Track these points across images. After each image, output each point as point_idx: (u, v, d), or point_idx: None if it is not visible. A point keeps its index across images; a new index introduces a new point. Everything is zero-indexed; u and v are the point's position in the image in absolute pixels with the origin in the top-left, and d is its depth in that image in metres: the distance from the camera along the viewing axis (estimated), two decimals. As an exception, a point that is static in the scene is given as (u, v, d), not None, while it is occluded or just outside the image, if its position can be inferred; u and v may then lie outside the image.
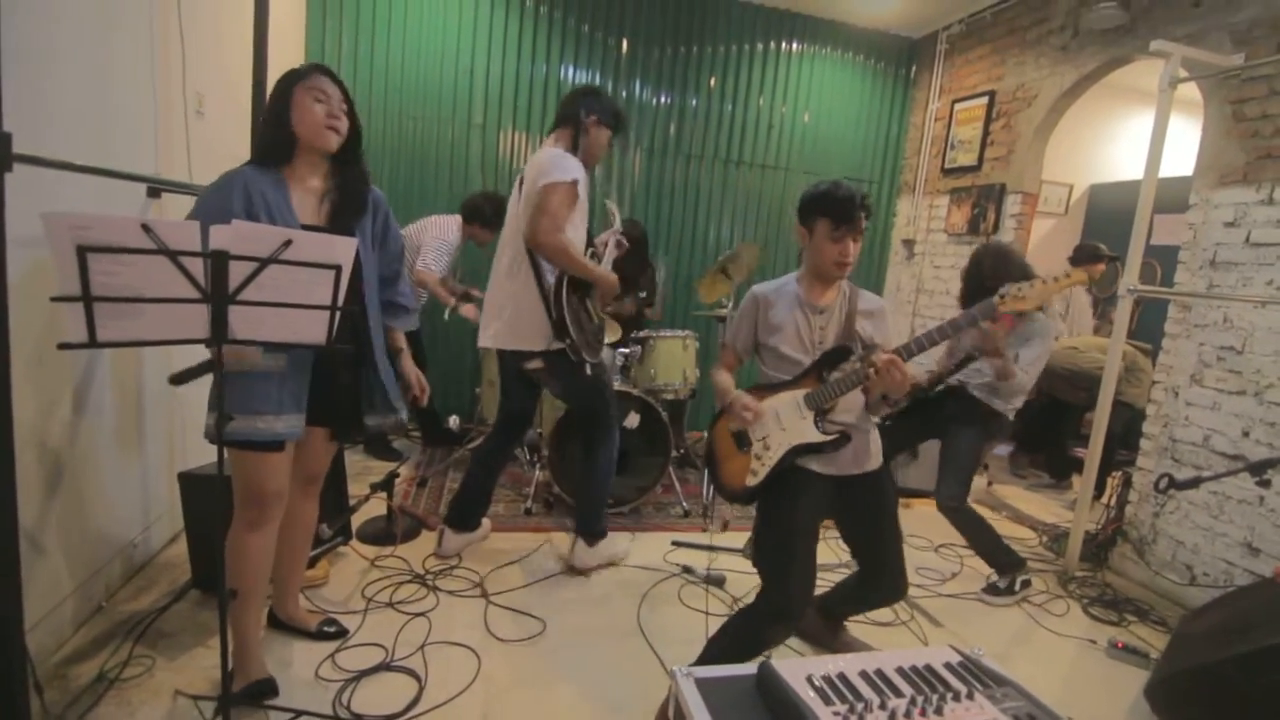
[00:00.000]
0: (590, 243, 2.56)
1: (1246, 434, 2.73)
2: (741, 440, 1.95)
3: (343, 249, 1.45)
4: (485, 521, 2.89)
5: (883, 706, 1.06)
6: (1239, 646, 1.94)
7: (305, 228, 1.64)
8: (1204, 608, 2.38)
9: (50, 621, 1.89)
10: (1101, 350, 3.54)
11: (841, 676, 1.15)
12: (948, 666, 1.23)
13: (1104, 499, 3.32)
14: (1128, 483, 3.22)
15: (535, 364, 2.48)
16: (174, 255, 1.29)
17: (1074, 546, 3.12)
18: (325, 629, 2.13)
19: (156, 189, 2.25)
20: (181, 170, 2.44)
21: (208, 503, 2.17)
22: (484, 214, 3.73)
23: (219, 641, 1.54)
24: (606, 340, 2.72)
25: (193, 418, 2.63)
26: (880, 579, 2.05)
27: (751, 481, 1.90)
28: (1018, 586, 2.80)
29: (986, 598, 2.79)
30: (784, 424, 1.86)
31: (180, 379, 1.53)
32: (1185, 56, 2.76)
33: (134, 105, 2.21)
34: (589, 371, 2.49)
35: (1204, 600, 2.77)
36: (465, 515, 2.75)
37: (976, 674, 1.20)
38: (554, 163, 2.29)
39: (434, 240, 3.61)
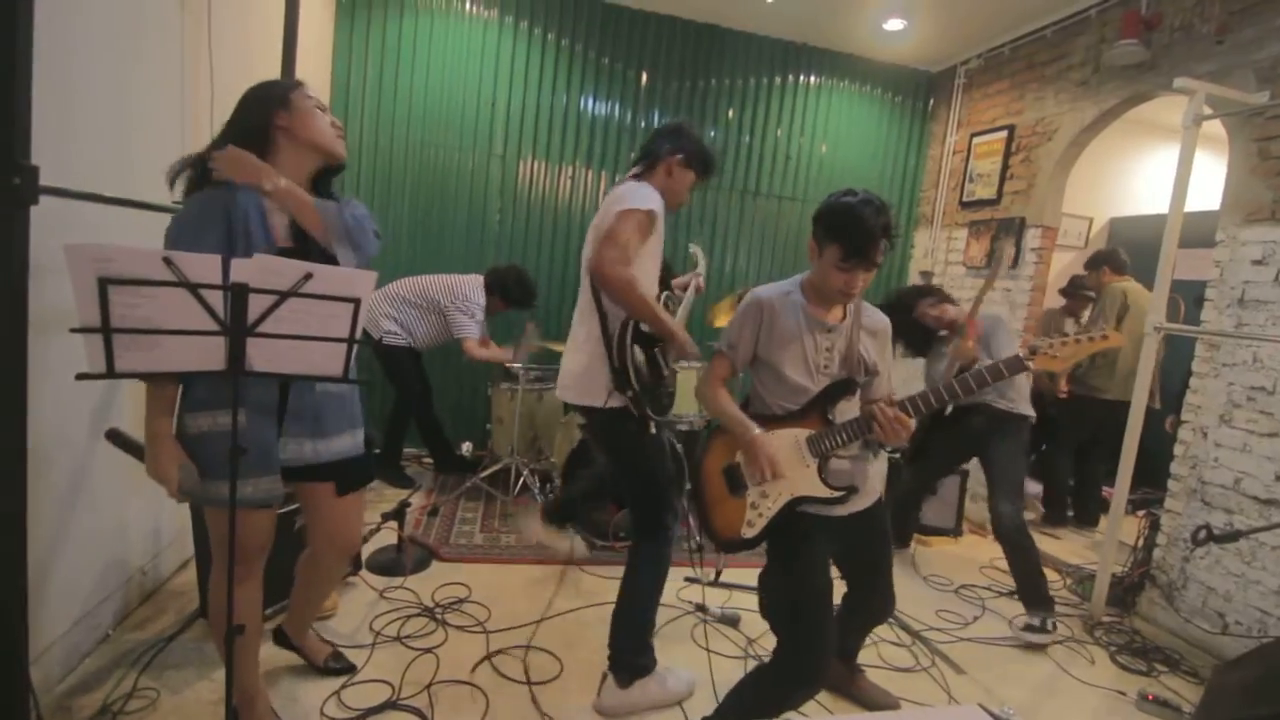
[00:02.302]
0: (666, 285, 2.25)
1: (1279, 478, 2.64)
2: (735, 482, 1.77)
3: (362, 283, 1.45)
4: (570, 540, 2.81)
5: (911, 773, 1.01)
6: (1277, 705, 1.85)
7: (280, 251, 1.56)
8: (1239, 659, 2.28)
9: (56, 650, 1.87)
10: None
11: (867, 738, 1.10)
12: (977, 729, 1.17)
13: (1133, 541, 3.22)
14: (1155, 525, 3.12)
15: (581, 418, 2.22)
16: (194, 288, 1.29)
17: (1100, 591, 3.02)
18: (332, 664, 2.09)
19: (181, 216, 2.27)
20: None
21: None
22: (507, 288, 3.75)
23: (224, 680, 1.50)
24: None
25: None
26: (871, 601, 1.98)
27: (748, 533, 1.73)
28: (1049, 627, 2.71)
29: (1027, 637, 2.69)
30: (785, 471, 1.69)
31: (114, 438, 1.49)
32: (1209, 94, 2.74)
33: (161, 136, 2.24)
34: (652, 431, 2.05)
35: (1237, 650, 2.67)
36: (561, 512, 2.69)
37: (1009, 738, 1.14)
38: (632, 191, 1.98)
39: (465, 306, 3.63)
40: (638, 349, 1.99)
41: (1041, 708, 2.35)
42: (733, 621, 2.62)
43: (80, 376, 1.26)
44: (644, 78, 4.55)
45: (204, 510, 1.63)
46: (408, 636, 2.31)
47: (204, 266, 1.29)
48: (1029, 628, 2.71)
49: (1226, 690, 2.13)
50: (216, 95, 2.48)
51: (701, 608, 2.70)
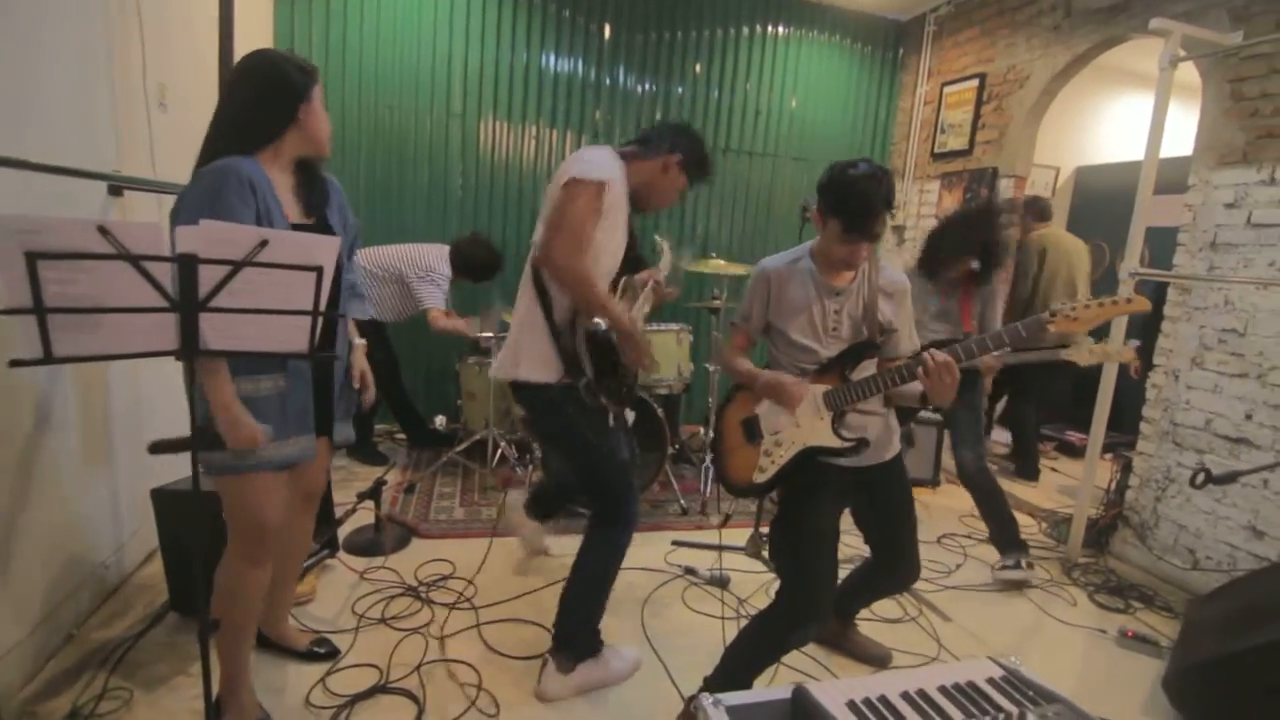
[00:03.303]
0: (636, 267, 2.06)
1: (1249, 417, 2.70)
2: (752, 432, 1.84)
3: (325, 249, 1.33)
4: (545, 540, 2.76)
5: (933, 734, 0.98)
6: (1258, 637, 1.90)
7: (295, 227, 1.53)
8: (1213, 594, 2.36)
9: (16, 654, 1.75)
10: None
11: (884, 700, 1.07)
12: (991, 683, 1.15)
13: (1106, 485, 3.29)
14: (1127, 468, 3.20)
15: (520, 410, 2.04)
16: (136, 260, 1.16)
17: (1076, 533, 3.09)
18: (315, 649, 2.02)
19: (118, 187, 2.10)
20: (144, 166, 2.29)
21: (184, 520, 2.05)
22: (472, 265, 3.63)
23: (201, 670, 1.42)
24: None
25: (165, 431, 2.49)
26: (896, 567, 1.98)
27: (759, 478, 1.80)
28: (1024, 565, 2.79)
29: (1005, 575, 2.77)
30: (799, 421, 1.75)
31: (159, 449, 1.40)
32: (1183, 35, 2.71)
33: (88, 98, 2.05)
34: (610, 422, 1.92)
35: (1208, 584, 2.76)
36: (537, 504, 2.62)
37: (1023, 690, 1.13)
38: (582, 157, 1.80)
39: (430, 275, 3.50)
40: (596, 336, 1.84)
41: (1027, 650, 2.40)
42: (723, 583, 2.61)
43: (14, 363, 1.14)
44: (607, 31, 4.36)
45: (227, 489, 1.55)
46: (392, 618, 2.24)
47: (146, 236, 1.17)
48: (1004, 568, 2.79)
49: (1203, 625, 2.19)
50: (149, 50, 2.28)
51: (691, 570, 2.68)
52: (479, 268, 3.66)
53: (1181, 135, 3.37)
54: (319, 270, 1.32)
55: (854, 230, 1.62)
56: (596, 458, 1.92)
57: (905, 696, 1.08)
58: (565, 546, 2.81)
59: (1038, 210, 4.09)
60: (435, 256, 3.58)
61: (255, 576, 1.64)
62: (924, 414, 3.71)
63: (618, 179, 1.84)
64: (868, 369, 1.76)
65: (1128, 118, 5.41)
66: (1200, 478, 1.78)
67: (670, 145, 1.94)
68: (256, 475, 1.53)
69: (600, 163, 1.81)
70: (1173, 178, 3.17)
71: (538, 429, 2.12)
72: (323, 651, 2.02)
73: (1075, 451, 4.89)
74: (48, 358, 1.16)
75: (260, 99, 1.54)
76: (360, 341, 1.84)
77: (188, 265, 1.21)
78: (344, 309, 1.76)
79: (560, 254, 1.73)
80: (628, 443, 2.03)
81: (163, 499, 2.12)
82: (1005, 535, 2.81)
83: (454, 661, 2.04)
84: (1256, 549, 2.67)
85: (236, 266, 1.25)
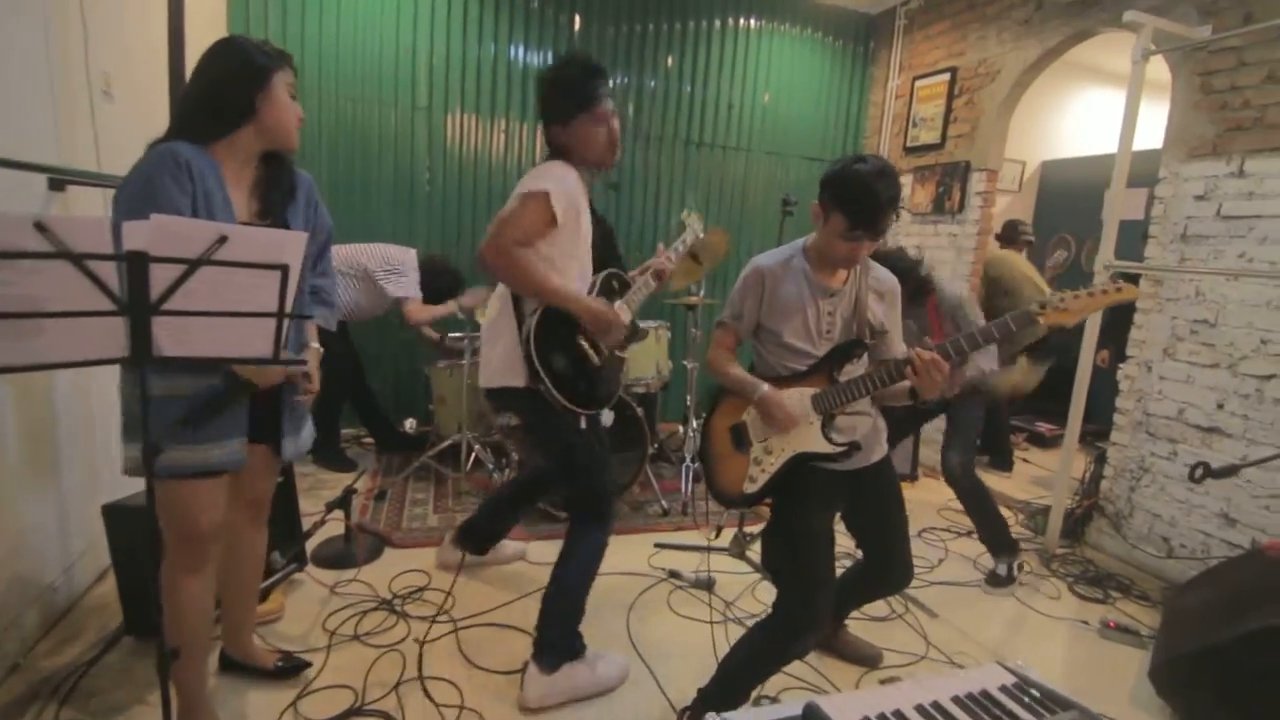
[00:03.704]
0: (615, 265, 2.06)
1: (1221, 406, 2.75)
2: (740, 439, 1.78)
3: (291, 246, 1.23)
4: (509, 544, 2.67)
5: (953, 750, 0.94)
6: (1240, 626, 1.91)
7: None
8: (1190, 583, 2.39)
9: (-47, 690, 1.61)
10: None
11: (898, 714, 1.02)
12: (1004, 690, 1.11)
13: (1080, 475, 3.33)
14: (1101, 458, 3.23)
15: (511, 418, 2.06)
16: (79, 259, 1.05)
17: (1054, 524, 3.12)
18: (282, 665, 1.91)
19: (59, 181, 1.96)
20: (88, 159, 2.14)
21: (138, 537, 1.91)
22: (435, 286, 3.51)
23: (160, 700, 1.31)
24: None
25: (117, 442, 2.34)
26: (889, 569, 1.95)
27: (749, 488, 1.74)
28: (1016, 572, 2.78)
29: (990, 589, 2.74)
30: (783, 430, 1.70)
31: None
32: (1152, 29, 2.73)
33: (25, 87, 1.90)
34: (581, 424, 1.91)
35: (1183, 572, 2.80)
36: (468, 535, 2.52)
37: (1038, 698, 1.10)
38: (532, 174, 1.84)
39: (398, 269, 3.37)
40: (554, 340, 1.84)
41: (1014, 644, 2.40)
42: (708, 586, 2.56)
43: (-60, 375, 1.02)
44: (577, 22, 4.27)
45: (157, 495, 1.40)
46: (366, 634, 2.13)
47: (89, 231, 1.06)
48: (992, 578, 2.77)
49: (1184, 614, 2.21)
50: (92, 37, 2.13)
51: (675, 574, 2.62)
52: (438, 282, 3.54)
53: (1145, 129, 3.42)
54: (284, 269, 1.22)
55: (860, 227, 1.55)
56: (571, 456, 1.94)
57: (920, 709, 1.04)
58: (544, 553, 2.73)
59: (1005, 234, 4.16)
60: (400, 253, 3.46)
61: (194, 585, 1.54)
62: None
63: (567, 185, 1.81)
64: (854, 369, 1.72)
65: (1090, 112, 5.51)
66: (1199, 471, 1.78)
67: (585, 110, 1.86)
68: (186, 482, 1.44)
69: (544, 173, 1.82)
70: (1139, 171, 3.21)
71: (525, 430, 2.09)
72: (290, 666, 1.91)
73: (1045, 442, 4.97)
74: (-20, 368, 1.05)
75: (214, 88, 1.45)
76: (316, 347, 1.71)
77: (138, 264, 1.10)
78: (307, 311, 1.66)
79: (486, 242, 1.76)
80: (602, 441, 2.01)
81: (115, 515, 1.98)
82: (996, 537, 2.79)
83: (433, 679, 1.95)
84: (1229, 536, 2.71)
85: (192, 265, 1.14)
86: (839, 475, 1.72)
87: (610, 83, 1.93)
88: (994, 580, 2.77)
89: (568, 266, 1.86)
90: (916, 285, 2.59)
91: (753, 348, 1.83)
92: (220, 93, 1.44)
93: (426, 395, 3.69)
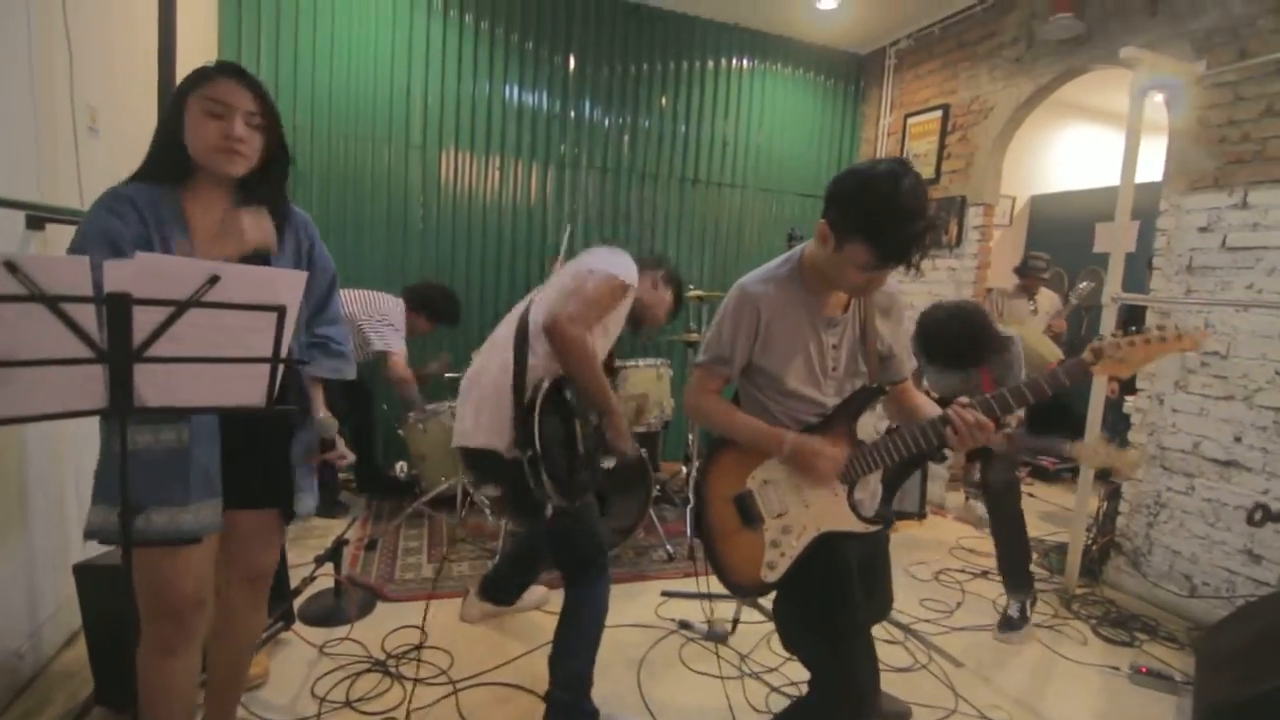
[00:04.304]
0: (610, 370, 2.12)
1: (1239, 439, 2.69)
2: (748, 514, 1.48)
3: (287, 285, 1.14)
4: (533, 589, 2.56)
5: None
6: (1286, 672, 1.82)
7: None
8: (1222, 624, 2.29)
9: (-101, 778, 1.45)
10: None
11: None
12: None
13: (1094, 511, 3.25)
14: (1117, 494, 3.16)
15: (491, 490, 1.97)
16: (54, 302, 0.96)
17: (1073, 564, 3.02)
18: (269, 744, 1.76)
19: (39, 218, 1.86)
20: (71, 196, 2.04)
21: (112, 599, 1.77)
22: (434, 304, 3.52)
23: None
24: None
25: (88, 497, 2.20)
26: (873, 598, 1.69)
27: (769, 577, 1.46)
28: (1029, 610, 2.66)
29: (1002, 636, 2.59)
30: (807, 499, 1.44)
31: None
32: (1148, 64, 2.75)
33: (4, 120, 1.82)
34: (548, 511, 1.78)
35: (1207, 611, 2.71)
36: (494, 588, 2.44)
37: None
38: (613, 256, 1.88)
39: (385, 319, 3.30)
40: (555, 416, 1.77)
41: (1045, 693, 2.28)
42: (721, 638, 2.42)
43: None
44: (572, 63, 4.29)
45: (135, 563, 1.27)
46: (359, 700, 1.98)
47: (65, 271, 0.96)
48: (1005, 622, 2.61)
49: (1220, 659, 2.11)
50: (78, 71, 2.06)
51: (686, 625, 2.49)
52: (440, 304, 3.55)
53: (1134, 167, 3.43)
54: (281, 310, 1.13)
55: (889, 259, 1.26)
56: (554, 523, 1.81)
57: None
58: (553, 601, 2.61)
59: (1020, 270, 4.36)
60: (391, 303, 3.40)
61: (170, 667, 1.37)
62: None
63: (635, 289, 1.92)
64: (869, 420, 1.51)
65: (1077, 148, 5.60)
66: (1258, 515, 1.70)
67: (656, 263, 2.14)
68: (156, 549, 1.29)
69: (631, 269, 1.89)
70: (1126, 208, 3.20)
71: (506, 500, 1.97)
72: (278, 746, 1.75)
73: (1049, 475, 4.90)
74: (-62, 424, 0.94)
75: (160, 126, 1.36)
76: (327, 417, 1.57)
77: (119, 307, 1.01)
78: (316, 366, 1.55)
79: (568, 320, 1.73)
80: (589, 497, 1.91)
81: (88, 575, 1.84)
82: (1016, 569, 2.64)
83: (433, 749, 1.80)
84: (1255, 574, 2.63)
85: (180, 307, 1.05)
86: (859, 535, 1.47)
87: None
88: (1006, 625, 2.60)
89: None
90: (994, 343, 2.49)
91: (740, 391, 1.55)
92: (161, 128, 1.35)
93: (408, 455, 3.57)
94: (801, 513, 1.45)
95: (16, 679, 1.91)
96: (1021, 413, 2.40)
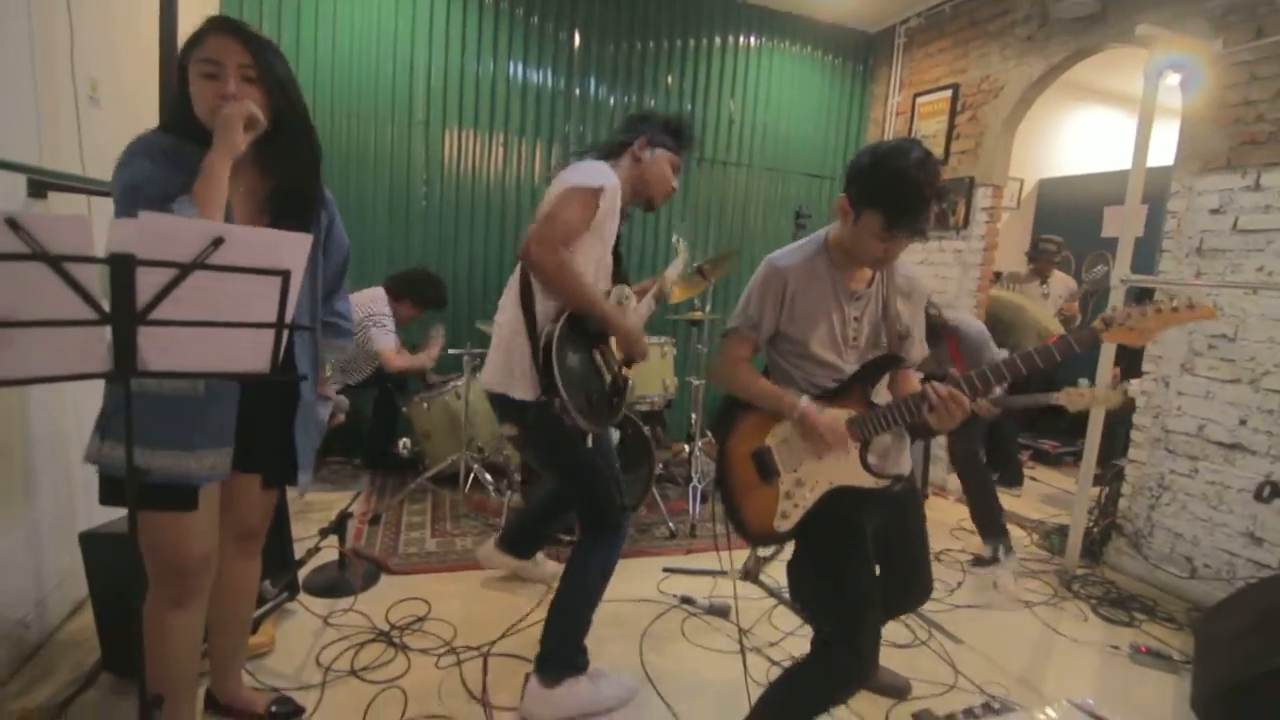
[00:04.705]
0: (623, 281, 2.00)
1: (1244, 422, 2.68)
2: (765, 468, 1.60)
3: (291, 250, 1.13)
4: (544, 560, 2.59)
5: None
6: (1286, 652, 1.83)
7: None
8: (1222, 605, 2.30)
9: (-91, 739, 1.47)
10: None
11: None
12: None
13: (1096, 494, 3.25)
14: (1119, 476, 3.16)
15: (509, 429, 1.93)
16: (56, 261, 0.95)
17: (1074, 545, 3.03)
18: (275, 710, 1.77)
19: (41, 185, 1.85)
20: (73, 165, 2.03)
21: (119, 569, 1.78)
22: (418, 289, 3.53)
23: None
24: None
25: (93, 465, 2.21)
26: (912, 585, 1.82)
27: (782, 526, 1.57)
28: (1001, 554, 2.90)
29: (973, 570, 2.92)
30: (821, 454, 1.54)
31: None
32: (1164, 42, 2.71)
33: (6, 91, 1.80)
34: (588, 442, 1.81)
35: (1207, 593, 2.71)
36: (514, 539, 2.48)
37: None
38: (577, 168, 1.76)
39: (371, 318, 3.33)
40: (571, 352, 1.76)
41: (1044, 670, 2.29)
42: (723, 612, 2.44)
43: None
44: (577, 39, 4.23)
45: (142, 525, 1.28)
46: (364, 669, 2.00)
47: (67, 230, 0.95)
48: (978, 561, 2.95)
49: (1221, 640, 2.11)
50: (78, 42, 2.04)
51: (688, 600, 2.50)
52: (427, 289, 3.56)
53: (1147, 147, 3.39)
54: (285, 275, 1.12)
55: (900, 226, 1.37)
56: (579, 470, 1.85)
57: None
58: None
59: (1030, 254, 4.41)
60: (370, 299, 3.40)
61: (176, 620, 1.40)
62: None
63: (612, 187, 1.76)
64: (881, 386, 1.60)
65: (1085, 131, 5.54)
66: (1267, 491, 1.70)
67: (629, 137, 1.88)
68: (164, 514, 1.32)
69: (596, 171, 1.75)
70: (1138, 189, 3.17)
71: (525, 444, 2.04)
72: (284, 711, 1.77)
73: (1051, 459, 4.90)
74: (-59, 383, 0.94)
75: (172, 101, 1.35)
76: (340, 399, 1.61)
77: (122, 268, 1.00)
78: (324, 349, 1.57)
79: (537, 242, 1.66)
80: (609, 455, 1.94)
81: (94, 543, 1.85)
82: (988, 519, 2.94)
83: (437, 718, 1.82)
84: (1256, 555, 2.63)
85: (184, 270, 1.04)
86: (872, 495, 1.58)
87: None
88: (979, 563, 2.96)
89: (585, 272, 1.75)
90: (932, 329, 2.60)
91: (767, 360, 1.68)
92: (172, 103, 1.34)
93: (411, 432, 3.63)
94: (815, 467, 1.55)
95: (23, 648, 1.93)
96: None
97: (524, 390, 1.77)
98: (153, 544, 1.34)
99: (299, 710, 1.79)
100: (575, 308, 1.74)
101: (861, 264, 1.54)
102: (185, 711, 1.46)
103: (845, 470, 1.53)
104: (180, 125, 1.32)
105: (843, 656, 1.46)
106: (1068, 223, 5.24)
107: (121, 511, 1.39)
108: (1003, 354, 2.72)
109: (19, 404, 1.90)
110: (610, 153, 1.90)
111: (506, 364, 1.80)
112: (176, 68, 1.31)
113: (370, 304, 3.37)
